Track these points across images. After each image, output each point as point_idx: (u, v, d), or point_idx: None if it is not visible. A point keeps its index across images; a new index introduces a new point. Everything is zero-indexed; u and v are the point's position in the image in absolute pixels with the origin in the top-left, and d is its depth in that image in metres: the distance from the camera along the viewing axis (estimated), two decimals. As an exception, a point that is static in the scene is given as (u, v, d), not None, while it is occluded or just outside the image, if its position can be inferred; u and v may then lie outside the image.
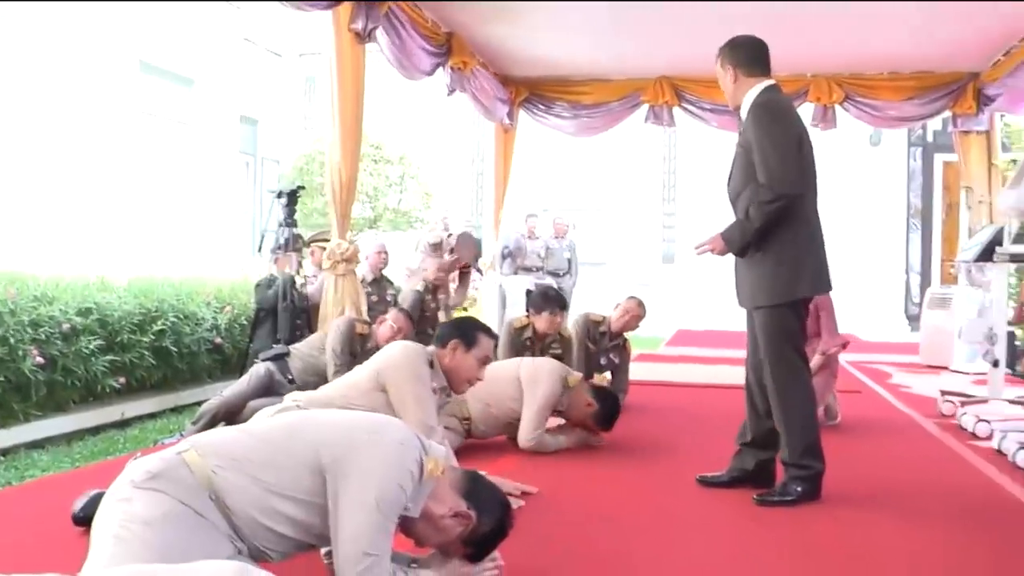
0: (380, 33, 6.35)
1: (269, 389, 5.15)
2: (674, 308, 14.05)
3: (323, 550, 2.57)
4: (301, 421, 2.53)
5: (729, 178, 3.94)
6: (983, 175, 9.07)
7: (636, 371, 6.75)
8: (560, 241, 12.19)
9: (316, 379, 4.99)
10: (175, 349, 6.21)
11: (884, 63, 8.64)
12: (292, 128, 16.37)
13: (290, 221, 6.47)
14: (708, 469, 4.04)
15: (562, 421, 4.93)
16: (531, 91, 9.50)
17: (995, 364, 6.12)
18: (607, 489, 3.96)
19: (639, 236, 16.19)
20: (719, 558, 3.05)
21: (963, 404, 5.89)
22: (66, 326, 5.34)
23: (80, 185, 10.98)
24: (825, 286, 3.88)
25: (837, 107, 8.95)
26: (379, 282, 7.50)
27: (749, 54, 3.86)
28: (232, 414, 4.93)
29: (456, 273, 8.29)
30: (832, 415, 5.58)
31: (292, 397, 3.69)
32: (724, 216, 3.91)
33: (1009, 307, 6.92)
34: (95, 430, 5.46)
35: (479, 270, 8.96)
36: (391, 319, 5.44)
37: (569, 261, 12.13)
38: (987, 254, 6.16)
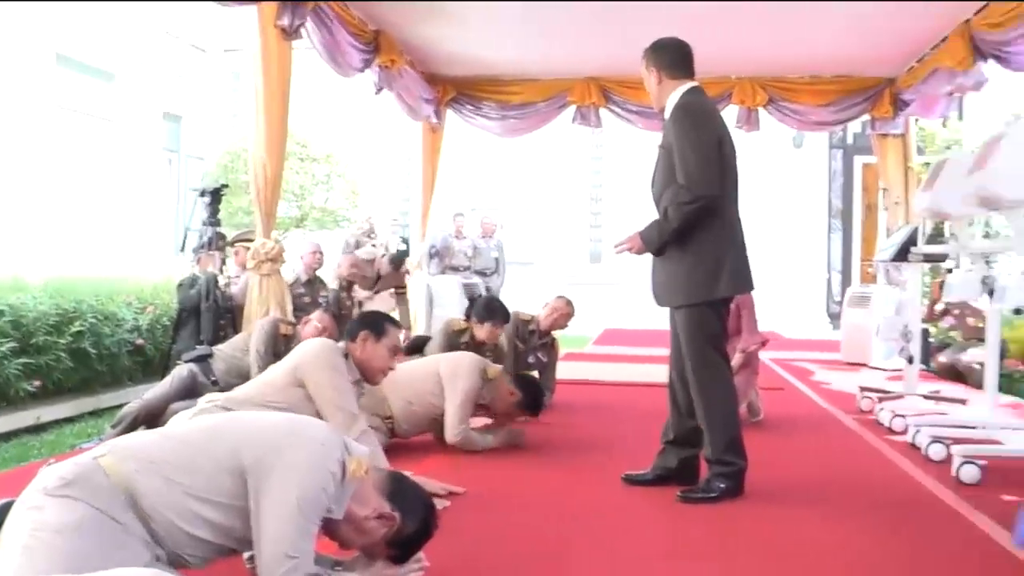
0: (311, 29, 6.27)
1: (192, 391, 5.04)
2: (601, 307, 14.16)
3: (246, 554, 2.53)
4: (221, 423, 2.48)
5: (653, 179, 3.98)
6: (900, 177, 9.36)
7: (563, 370, 6.78)
8: (488, 240, 12.17)
9: (240, 380, 4.87)
10: (94, 351, 6.05)
11: (806, 67, 8.85)
12: (217, 125, 16.08)
13: (213, 220, 6.36)
14: (634, 467, 4.07)
15: (489, 421, 4.93)
16: (459, 90, 9.49)
17: (910, 360, 6.30)
18: (533, 489, 3.96)
19: (566, 236, 16.28)
20: (644, 555, 3.07)
21: (880, 400, 6.05)
22: (-23, 328, 5.17)
23: (-7, 182, 10.63)
24: (745, 286, 3.94)
25: (761, 110, 9.14)
26: (312, 283, 7.44)
27: (673, 56, 3.90)
28: (153, 417, 4.82)
29: (391, 291, 8.40)
30: (755, 412, 5.67)
31: (208, 398, 3.63)
32: (650, 216, 3.94)
33: (922, 305, 7.13)
34: (8, 436, 5.28)
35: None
36: (316, 319, 5.39)
37: (497, 260, 12.13)
38: (903, 254, 6.34)
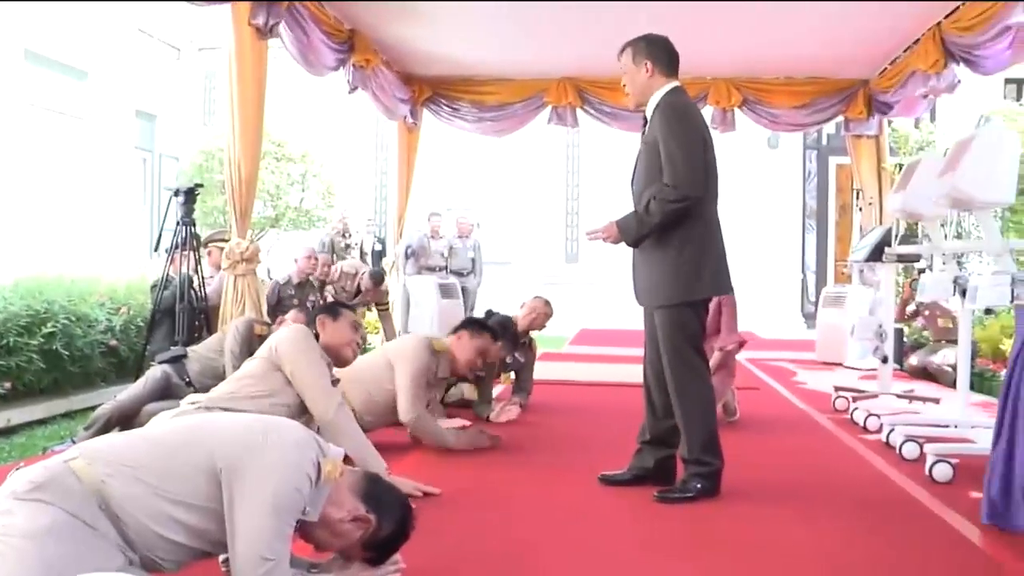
0: (283, 28, 6.24)
1: (166, 392, 5.02)
2: (578, 307, 14.18)
3: (221, 558, 2.51)
4: (194, 425, 2.47)
5: (633, 176, 3.99)
6: (873, 178, 9.46)
7: (540, 370, 6.78)
8: (464, 240, 12.17)
9: (214, 381, 4.84)
10: (66, 352, 5.98)
11: (780, 68, 8.91)
12: (192, 124, 15.96)
13: (188, 220, 6.30)
14: (610, 467, 4.08)
15: (467, 423, 4.93)
16: (435, 90, 9.48)
17: (884, 360, 6.35)
18: (510, 489, 3.97)
19: (543, 235, 16.29)
20: (621, 555, 3.08)
21: (855, 399, 6.09)
22: (-54, 329, 5.10)
23: (-37, 181, 10.50)
24: (725, 288, 3.96)
25: (736, 110, 9.20)
26: (303, 286, 7.55)
27: (666, 54, 3.90)
28: (127, 418, 4.79)
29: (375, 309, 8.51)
30: (731, 412, 5.70)
31: (190, 399, 3.65)
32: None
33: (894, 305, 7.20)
34: (-23, 438, 5.23)
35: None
36: (291, 318, 5.38)
37: (473, 260, 12.13)
38: (877, 254, 6.40)
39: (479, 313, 6.75)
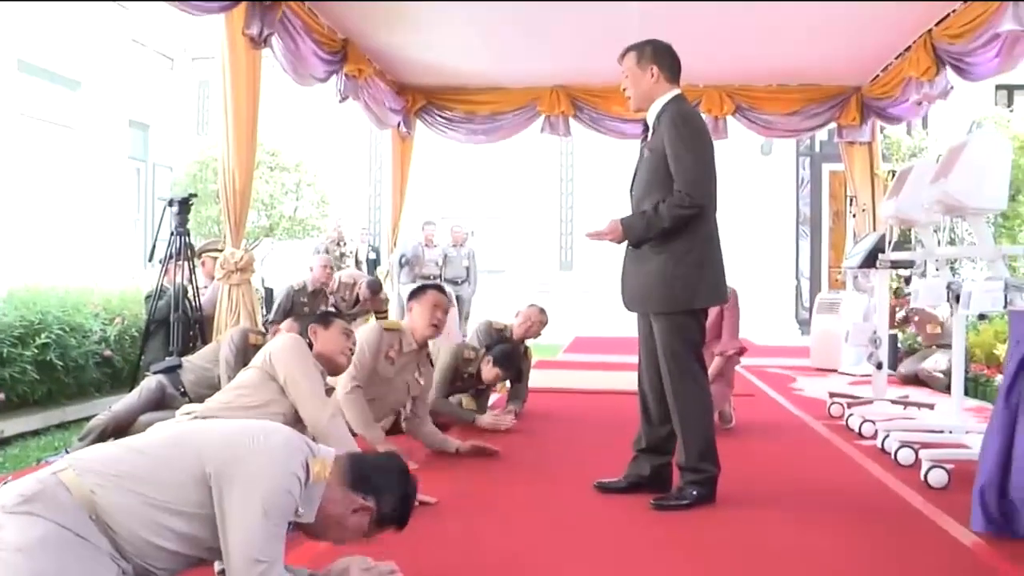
0: (274, 39, 6.25)
1: (161, 403, 5.00)
2: (572, 315, 14.19)
3: (217, 567, 2.51)
4: (183, 432, 2.47)
5: (632, 183, 3.99)
6: (866, 184, 9.48)
7: (535, 378, 6.78)
8: (459, 249, 12.18)
9: (209, 391, 4.84)
10: (60, 363, 5.96)
11: (773, 76, 8.95)
12: (185, 134, 15.96)
13: (182, 230, 6.29)
14: (606, 475, 4.08)
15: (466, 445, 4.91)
16: (428, 99, 9.50)
17: (879, 366, 6.37)
18: (506, 497, 3.97)
19: (537, 244, 16.31)
20: (617, 563, 3.09)
21: (850, 405, 6.11)
22: (-60, 340, 5.09)
23: (-44, 192, 10.48)
24: (723, 297, 3.98)
25: (729, 118, 9.23)
26: (316, 295, 7.69)
27: (672, 61, 3.92)
28: (122, 429, 4.76)
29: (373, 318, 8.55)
30: (726, 419, 5.71)
31: (185, 410, 3.66)
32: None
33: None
34: (-28, 449, 5.21)
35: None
36: (285, 327, 5.36)
37: (468, 269, 12.13)
38: (870, 260, 6.43)
39: (474, 323, 6.76)
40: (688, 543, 3.32)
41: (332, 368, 3.85)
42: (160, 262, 6.51)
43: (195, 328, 6.34)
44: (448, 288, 10.96)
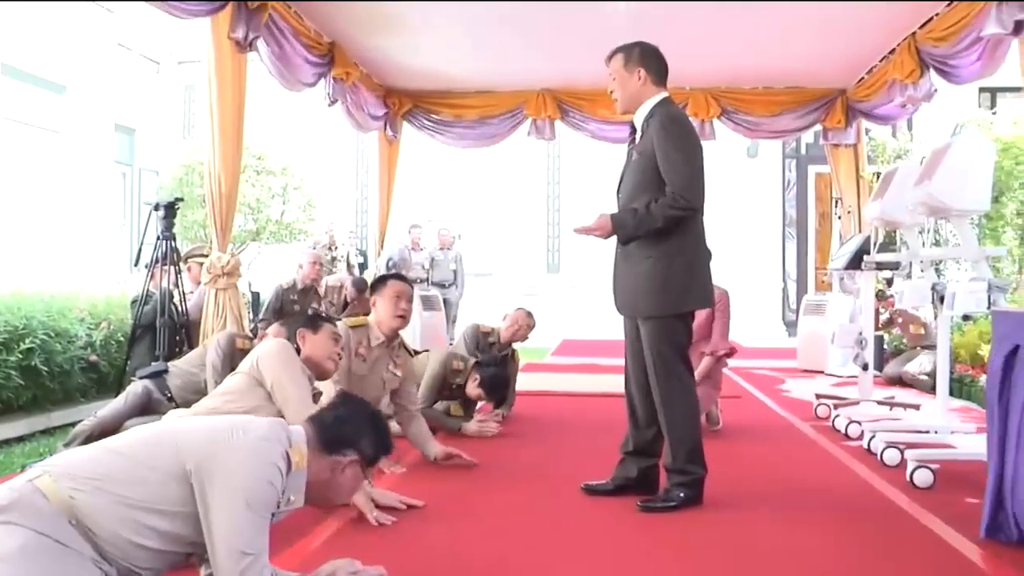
0: (261, 43, 6.24)
1: (147, 408, 4.98)
2: (560, 318, 14.20)
3: (203, 572, 2.51)
4: (160, 431, 2.47)
5: (619, 185, 4.00)
6: (852, 186, 9.54)
7: (523, 381, 6.80)
8: (446, 252, 12.18)
9: (196, 396, 4.83)
10: (45, 368, 5.93)
11: (759, 78, 8.99)
12: (171, 138, 15.91)
13: (168, 234, 6.27)
14: (594, 477, 4.09)
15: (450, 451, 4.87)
16: (415, 103, 9.51)
17: (864, 367, 6.39)
18: (493, 499, 3.97)
19: (524, 246, 16.31)
20: (604, 565, 3.09)
21: (836, 407, 6.13)
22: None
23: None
24: (709, 301, 4.00)
25: (715, 120, 9.27)
26: (307, 292, 7.65)
27: (659, 64, 3.93)
28: (108, 435, 4.69)
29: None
30: (714, 421, 5.73)
31: (172, 415, 3.65)
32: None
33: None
34: (-44, 456, 5.17)
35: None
36: (272, 332, 5.34)
37: (455, 272, 12.13)
38: (856, 262, 6.46)
39: (461, 326, 6.75)
40: (675, 545, 3.32)
41: (320, 373, 3.85)
42: (146, 266, 6.48)
43: (181, 333, 6.31)
44: (435, 291, 11.03)
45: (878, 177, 6.40)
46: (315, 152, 14.98)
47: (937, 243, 9.94)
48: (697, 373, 5.33)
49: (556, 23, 7.13)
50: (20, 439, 5.69)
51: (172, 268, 6.26)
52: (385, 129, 9.47)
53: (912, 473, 4.20)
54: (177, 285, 6.32)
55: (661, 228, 3.74)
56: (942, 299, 4.52)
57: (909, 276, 6.35)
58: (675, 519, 3.64)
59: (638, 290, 3.85)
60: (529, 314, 6.25)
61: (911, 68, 7.15)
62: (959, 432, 5.01)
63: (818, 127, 9.64)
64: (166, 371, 5.25)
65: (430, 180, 15.67)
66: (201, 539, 2.25)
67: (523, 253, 16.28)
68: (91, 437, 4.73)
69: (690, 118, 8.92)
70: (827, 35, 7.38)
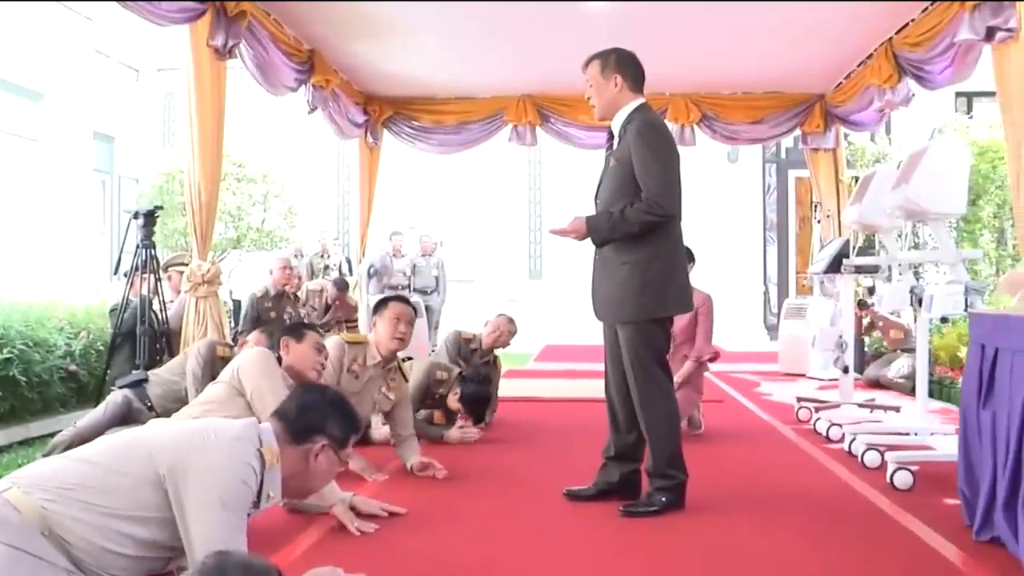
0: (243, 48, 6.23)
1: (127, 417, 4.95)
2: (542, 323, 14.21)
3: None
4: (131, 438, 2.47)
5: (597, 192, 4.01)
6: (831, 190, 9.60)
7: (505, 388, 6.80)
8: (428, 259, 12.17)
9: (177, 405, 4.80)
10: (24, 378, 5.88)
11: (738, 83, 9.04)
12: (151, 146, 15.82)
13: (148, 243, 6.24)
14: (576, 483, 4.09)
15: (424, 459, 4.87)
16: (395, 110, 9.50)
17: (845, 370, 6.43)
18: (475, 506, 3.97)
19: (506, 252, 16.31)
20: (586, 570, 3.10)
21: (817, 410, 6.16)
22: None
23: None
24: (689, 305, 4.02)
25: (695, 126, 9.30)
26: (281, 298, 7.55)
27: (636, 70, 3.94)
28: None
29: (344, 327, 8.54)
30: (695, 425, 5.75)
31: (153, 424, 3.61)
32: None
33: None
34: (-67, 467, 5.12)
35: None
36: (252, 340, 5.32)
37: (437, 279, 12.12)
38: (835, 266, 6.50)
39: (443, 333, 6.74)
40: (657, 550, 3.33)
41: (302, 383, 3.82)
42: (126, 275, 6.45)
43: (162, 341, 6.28)
44: (417, 298, 11.02)
45: (857, 181, 6.45)
46: (296, 159, 14.94)
47: (916, 246, 10.01)
48: (679, 377, 5.36)
49: (536, 28, 7.14)
50: (-1, 450, 5.65)
51: (152, 277, 6.23)
52: (366, 136, 9.46)
53: (892, 475, 4.23)
54: (157, 293, 6.29)
55: (637, 233, 3.75)
56: (920, 302, 4.55)
57: (889, 279, 6.40)
58: (657, 524, 3.65)
59: (615, 296, 3.86)
60: (511, 320, 6.26)
61: (888, 73, 7.20)
62: (938, 434, 5.05)
63: (797, 132, 9.69)
64: (146, 380, 5.23)
65: (412, 186, 15.66)
66: (178, 544, 2.25)
67: (505, 259, 16.29)
68: (70, 448, 4.68)
69: (670, 123, 9.05)
70: (806, 40, 7.42)
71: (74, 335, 6.63)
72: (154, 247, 6.34)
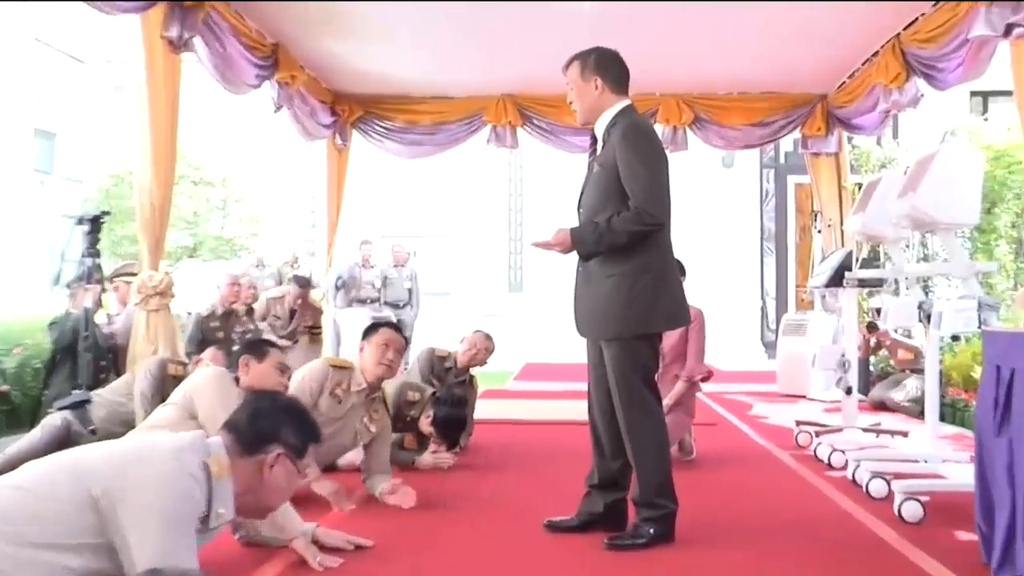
0: (199, 42, 6.21)
1: (65, 442, 4.87)
2: (522, 340, 14.18)
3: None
4: (60, 460, 2.43)
5: (580, 199, 4.01)
6: (834, 198, 9.64)
7: (482, 409, 6.77)
8: (400, 270, 12.14)
9: (123, 429, 4.77)
10: (-50, 399, 5.83)
11: (734, 83, 9.08)
12: (97, 144, 15.73)
13: (92, 251, 6.19)
14: (558, 513, 4.08)
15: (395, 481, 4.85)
16: (366, 109, 9.48)
17: (848, 391, 6.45)
18: (449, 538, 3.94)
19: (484, 264, 16.30)
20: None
21: (818, 434, 6.17)
22: None
23: None
24: (682, 320, 3.98)
25: (688, 129, 9.34)
26: (229, 317, 7.48)
27: (619, 71, 3.94)
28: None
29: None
30: (687, 450, 5.74)
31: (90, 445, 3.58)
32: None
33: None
34: None
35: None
36: (208, 358, 5.29)
37: (410, 291, 12.10)
38: (837, 279, 6.52)
39: (416, 350, 6.71)
40: (646, 586, 3.32)
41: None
42: (68, 286, 6.40)
43: (108, 359, 6.23)
44: (388, 312, 10.98)
45: (861, 188, 6.48)
46: (260, 162, 14.90)
47: (924, 258, 10.08)
48: (669, 398, 5.36)
49: (518, 24, 7.16)
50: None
51: (95, 287, 6.17)
52: (334, 137, 9.44)
53: (900, 506, 4.23)
54: (99, 305, 6.23)
55: (625, 244, 3.75)
56: (929, 318, 4.57)
57: (896, 294, 6.43)
58: (644, 557, 3.63)
59: (600, 311, 3.85)
60: (488, 337, 6.24)
61: (896, 72, 7.26)
62: (951, 461, 5.05)
63: (797, 134, 9.74)
64: (89, 401, 5.18)
65: (383, 192, 15.63)
66: (122, 571, 2.21)
67: (483, 271, 16.28)
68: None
69: (662, 126, 9.09)
70: (806, 36, 7.47)
71: (6, 352, 6.57)
72: (99, 256, 6.29)
